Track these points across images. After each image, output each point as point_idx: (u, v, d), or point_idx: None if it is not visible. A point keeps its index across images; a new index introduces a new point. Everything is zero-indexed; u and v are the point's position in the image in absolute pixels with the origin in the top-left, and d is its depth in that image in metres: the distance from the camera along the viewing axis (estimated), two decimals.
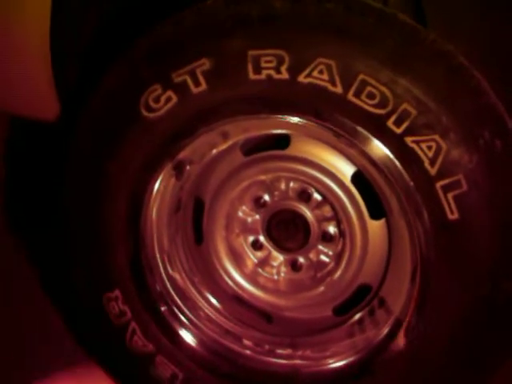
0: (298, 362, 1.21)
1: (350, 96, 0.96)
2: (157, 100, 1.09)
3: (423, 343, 1.05)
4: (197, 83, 1.05)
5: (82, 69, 1.32)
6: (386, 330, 1.12)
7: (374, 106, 0.96)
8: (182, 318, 1.28)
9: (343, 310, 1.24)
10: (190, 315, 1.29)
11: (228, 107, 1.05)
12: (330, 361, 1.18)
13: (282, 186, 1.24)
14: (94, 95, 1.16)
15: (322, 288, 1.25)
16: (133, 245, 1.22)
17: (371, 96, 0.96)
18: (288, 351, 1.23)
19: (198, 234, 1.32)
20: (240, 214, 1.29)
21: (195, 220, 1.32)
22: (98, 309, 1.27)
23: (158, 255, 1.27)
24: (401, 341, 1.07)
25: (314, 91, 0.98)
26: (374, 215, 1.16)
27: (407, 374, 1.07)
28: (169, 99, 1.08)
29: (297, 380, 1.19)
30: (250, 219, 1.29)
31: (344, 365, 1.16)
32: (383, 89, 0.95)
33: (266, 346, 1.25)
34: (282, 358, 1.23)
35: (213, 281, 1.32)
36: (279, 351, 1.24)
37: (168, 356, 1.26)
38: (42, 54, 1.28)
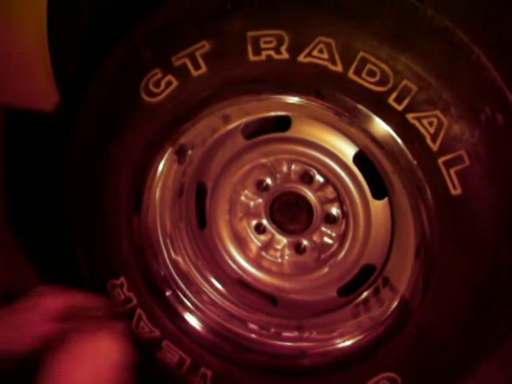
0: (304, 344, 1.21)
1: (351, 74, 0.96)
2: (157, 84, 1.08)
3: (429, 320, 1.05)
4: (197, 66, 1.05)
5: (81, 57, 1.31)
6: (391, 309, 1.12)
7: (375, 83, 0.96)
8: (187, 302, 1.28)
9: (348, 290, 1.25)
10: (195, 300, 1.29)
11: (228, 90, 1.05)
12: (337, 342, 1.19)
13: (284, 168, 1.24)
14: (94, 81, 1.16)
15: (326, 269, 1.25)
16: (136, 230, 1.22)
17: (372, 73, 0.95)
18: (294, 333, 1.23)
19: (202, 219, 1.32)
20: (243, 198, 1.29)
21: (198, 205, 1.32)
22: (103, 296, 1.27)
23: (161, 240, 1.27)
24: (406, 318, 1.07)
25: (314, 71, 0.98)
26: (377, 195, 1.16)
27: (413, 352, 1.08)
28: (169, 83, 1.08)
29: (304, 362, 1.19)
30: (252, 203, 1.29)
31: (350, 345, 1.16)
32: (383, 66, 0.95)
33: (272, 329, 1.25)
34: (289, 341, 1.23)
35: (217, 265, 1.32)
36: (285, 334, 1.24)
37: (175, 341, 1.26)
38: (39, 42, 1.27)
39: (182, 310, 1.28)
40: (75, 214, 1.25)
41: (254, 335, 1.28)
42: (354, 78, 0.96)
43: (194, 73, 1.05)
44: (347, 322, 1.20)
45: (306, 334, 1.22)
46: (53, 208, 1.33)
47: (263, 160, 1.24)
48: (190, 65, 1.05)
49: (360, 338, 1.16)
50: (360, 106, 0.98)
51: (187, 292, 1.29)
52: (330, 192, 1.21)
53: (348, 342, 1.16)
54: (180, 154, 1.19)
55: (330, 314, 1.24)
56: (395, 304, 1.12)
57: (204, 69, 1.04)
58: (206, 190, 1.30)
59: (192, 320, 1.27)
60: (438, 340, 1.05)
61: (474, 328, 1.03)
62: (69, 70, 1.33)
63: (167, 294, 1.27)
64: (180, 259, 1.31)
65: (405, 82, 0.94)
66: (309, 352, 1.19)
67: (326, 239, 1.25)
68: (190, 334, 1.26)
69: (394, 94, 0.95)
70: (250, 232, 1.31)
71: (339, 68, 0.97)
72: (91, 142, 1.19)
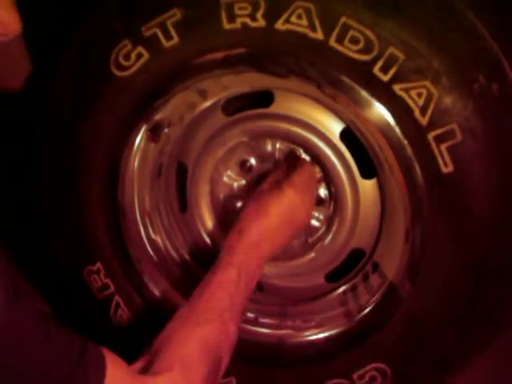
0: (286, 332, 1.15)
1: (332, 42, 0.89)
2: (127, 57, 1.02)
3: (419, 308, 0.99)
4: (168, 36, 0.98)
5: (48, 32, 1.24)
6: (380, 296, 1.06)
7: (358, 51, 0.88)
8: None
9: (336, 276, 1.19)
10: None
11: (202, 61, 0.98)
12: (323, 330, 1.12)
13: (269, 147, 1.17)
14: (62, 57, 1.09)
15: (313, 254, 1.19)
16: (112, 214, 1.16)
17: (355, 41, 0.88)
18: (277, 321, 1.18)
19: (184, 201, 1.26)
20: (225, 179, 1.23)
21: (181, 186, 1.26)
22: (79, 283, 1.22)
23: (139, 220, 1.21)
24: (395, 306, 1.01)
25: (292, 39, 0.91)
26: (366, 175, 1.09)
27: (403, 342, 1.02)
28: (139, 55, 1.01)
29: (285, 351, 1.13)
30: (236, 184, 1.23)
31: (337, 334, 1.10)
32: (367, 32, 0.87)
33: (253, 316, 1.19)
34: (270, 328, 1.17)
35: (198, 248, 1.26)
36: (267, 321, 1.18)
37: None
38: None
39: None
40: (47, 198, 1.19)
41: None
42: (336, 46, 0.89)
43: (166, 44, 0.99)
44: (334, 309, 1.15)
45: (290, 322, 1.17)
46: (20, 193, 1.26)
47: (245, 138, 1.18)
48: (160, 35, 0.98)
49: (347, 326, 1.09)
50: (343, 77, 0.91)
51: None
52: (316, 172, 1.14)
53: (334, 331, 1.10)
54: (155, 131, 1.12)
55: (317, 301, 1.18)
56: (384, 291, 1.05)
57: (176, 39, 0.98)
58: (186, 170, 1.24)
59: None
60: (429, 330, 0.99)
61: (467, 317, 0.97)
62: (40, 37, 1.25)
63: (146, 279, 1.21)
64: (159, 240, 1.24)
65: (391, 50, 0.87)
66: (291, 341, 1.13)
67: (313, 222, 1.18)
68: None
69: (380, 63, 0.87)
70: (233, 215, 1.24)
71: (319, 35, 0.89)
72: (61, 121, 1.13)
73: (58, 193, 1.18)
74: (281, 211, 0.97)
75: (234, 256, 0.92)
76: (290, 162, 1.08)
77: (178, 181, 1.26)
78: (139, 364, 0.83)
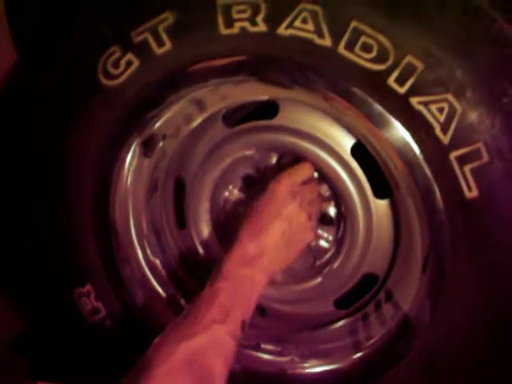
0: (287, 360, 1.06)
1: (341, 49, 0.80)
2: (116, 64, 0.94)
3: (436, 346, 0.89)
4: (160, 42, 0.90)
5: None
6: (393, 329, 0.96)
7: (371, 60, 0.79)
8: None
9: (345, 303, 1.10)
10: None
11: (198, 70, 0.90)
12: (326, 362, 1.03)
13: (273, 162, 1.09)
14: (50, 66, 1.02)
15: (320, 278, 1.10)
16: (103, 232, 1.09)
17: (367, 48, 0.79)
18: (278, 348, 1.09)
19: (181, 217, 1.18)
20: (226, 194, 1.14)
21: (178, 203, 1.18)
22: (69, 306, 1.14)
23: (135, 241, 1.13)
24: (410, 343, 0.92)
25: (297, 45, 0.82)
26: (379, 194, 1.00)
27: (415, 382, 0.92)
28: (129, 63, 0.93)
29: (287, 381, 1.04)
30: (238, 200, 1.14)
31: (344, 368, 1.00)
32: (381, 38, 0.78)
33: (255, 342, 1.10)
34: (271, 354, 1.09)
35: (197, 268, 1.18)
36: (268, 347, 1.10)
37: None
38: None
39: None
40: (34, 216, 1.12)
41: None
42: (346, 53, 0.80)
43: (157, 50, 0.91)
44: (343, 339, 1.05)
45: (293, 350, 1.08)
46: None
47: (248, 152, 1.09)
48: (151, 41, 0.91)
49: (355, 360, 1.00)
50: (354, 89, 0.82)
51: None
52: (325, 189, 1.06)
53: (341, 364, 1.01)
54: (148, 146, 1.04)
55: (324, 329, 1.09)
56: (398, 323, 0.96)
57: (168, 45, 0.90)
58: (184, 185, 1.15)
59: None
60: (447, 371, 0.89)
61: (490, 359, 0.87)
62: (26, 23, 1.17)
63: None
64: (158, 262, 1.16)
65: (408, 59, 0.77)
66: (293, 372, 1.04)
67: (322, 243, 1.09)
68: None
69: (395, 74, 0.78)
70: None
71: (327, 42, 0.80)
72: (48, 134, 1.06)
73: (46, 210, 1.11)
74: (282, 226, 0.93)
75: (228, 269, 0.90)
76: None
77: (176, 196, 1.18)
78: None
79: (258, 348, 1.11)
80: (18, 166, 1.10)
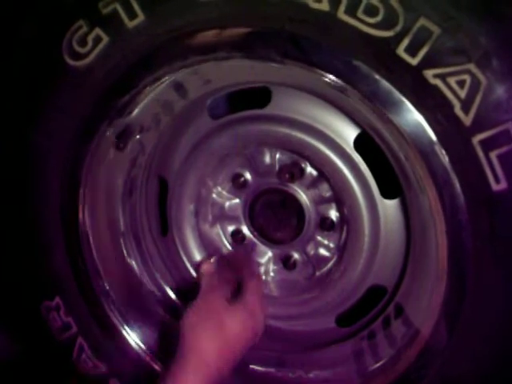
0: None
1: (341, 14, 0.71)
2: (83, 42, 0.87)
3: (453, 368, 0.78)
4: (131, 13, 0.83)
5: None
6: (404, 351, 0.86)
7: (377, 25, 0.70)
8: None
9: (349, 319, 1.00)
10: None
11: (175, 45, 0.81)
12: None
13: (267, 158, 1.01)
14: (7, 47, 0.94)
15: (320, 291, 1.01)
16: (72, 238, 1.00)
17: (372, 11, 0.69)
18: (272, 370, 1.01)
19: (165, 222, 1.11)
20: (214, 196, 1.07)
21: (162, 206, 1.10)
22: (36, 322, 1.06)
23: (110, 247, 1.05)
24: (425, 367, 0.81)
25: (288, 11, 0.73)
26: (387, 193, 0.92)
27: None
28: (98, 39, 0.86)
29: None
30: (227, 203, 1.06)
31: None
32: None
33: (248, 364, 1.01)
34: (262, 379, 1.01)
35: (180, 279, 1.10)
36: (259, 368, 1.02)
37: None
38: None
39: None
40: None
41: None
42: (347, 18, 0.71)
43: (129, 23, 0.84)
44: (346, 361, 0.96)
45: (290, 374, 1.00)
46: None
47: (238, 147, 1.01)
48: (122, 12, 0.83)
49: None
50: (356, 62, 0.72)
51: None
52: (325, 189, 0.99)
53: None
54: (123, 138, 0.95)
55: (325, 349, 1.00)
56: (409, 343, 0.85)
57: (141, 17, 0.82)
58: (167, 185, 1.07)
59: None
60: None
61: None
62: None
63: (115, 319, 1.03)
64: (135, 267, 1.07)
65: (421, 22, 0.68)
66: None
67: (322, 251, 1.02)
68: None
69: (406, 41, 0.69)
70: (224, 241, 1.08)
71: (325, 5, 0.71)
72: (10, 127, 0.97)
73: (10, 215, 1.02)
74: (238, 329, 0.90)
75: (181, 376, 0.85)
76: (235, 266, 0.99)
77: (160, 198, 1.10)
78: None
79: (246, 370, 1.03)
80: None
